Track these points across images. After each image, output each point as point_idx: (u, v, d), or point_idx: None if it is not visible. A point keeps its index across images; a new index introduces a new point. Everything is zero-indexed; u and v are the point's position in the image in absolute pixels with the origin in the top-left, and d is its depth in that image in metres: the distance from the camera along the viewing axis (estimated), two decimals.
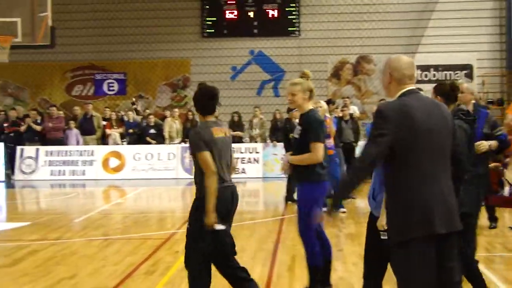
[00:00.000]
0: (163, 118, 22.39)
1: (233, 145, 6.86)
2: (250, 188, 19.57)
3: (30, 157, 21.46)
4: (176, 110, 22.86)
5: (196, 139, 6.08)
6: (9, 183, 20.65)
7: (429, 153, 4.55)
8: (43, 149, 21.51)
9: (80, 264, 9.09)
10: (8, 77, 25.61)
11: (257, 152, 21.27)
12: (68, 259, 9.45)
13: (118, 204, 16.83)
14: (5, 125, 21.93)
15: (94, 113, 22.57)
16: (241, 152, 21.03)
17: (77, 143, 21.88)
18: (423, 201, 4.49)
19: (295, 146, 7.12)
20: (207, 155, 6.04)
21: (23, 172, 21.38)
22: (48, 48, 21.70)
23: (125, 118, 22.27)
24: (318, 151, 6.87)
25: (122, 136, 22.03)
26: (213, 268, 6.21)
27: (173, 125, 21.92)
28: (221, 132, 6.22)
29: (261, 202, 17.65)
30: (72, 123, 22.04)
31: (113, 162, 21.41)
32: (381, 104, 4.78)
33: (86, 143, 21.92)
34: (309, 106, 7.10)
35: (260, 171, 21.14)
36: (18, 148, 21.43)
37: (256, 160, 21.20)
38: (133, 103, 23.36)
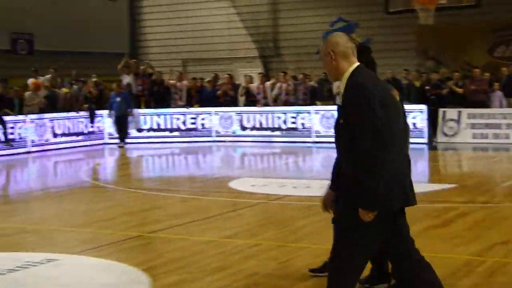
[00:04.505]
0: None
1: None
2: None
3: (452, 120, 21.32)
4: None
5: None
6: (432, 145, 20.76)
7: None
8: (465, 111, 21.20)
9: None
10: (430, 40, 25.70)
11: None
12: (500, 223, 9.08)
13: None
14: (427, 88, 22.03)
15: None
16: None
17: (501, 106, 21.16)
18: None
19: None
20: None
21: (445, 135, 21.34)
22: (472, 9, 21.35)
23: None
24: None
25: None
26: None
27: None
28: None
29: None
30: (496, 85, 21.36)
31: None
32: None
33: (510, 105, 21.08)
34: None
35: None
36: (440, 110, 21.40)
37: None
38: None
